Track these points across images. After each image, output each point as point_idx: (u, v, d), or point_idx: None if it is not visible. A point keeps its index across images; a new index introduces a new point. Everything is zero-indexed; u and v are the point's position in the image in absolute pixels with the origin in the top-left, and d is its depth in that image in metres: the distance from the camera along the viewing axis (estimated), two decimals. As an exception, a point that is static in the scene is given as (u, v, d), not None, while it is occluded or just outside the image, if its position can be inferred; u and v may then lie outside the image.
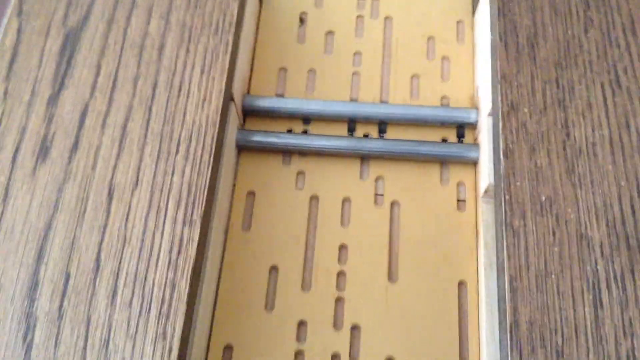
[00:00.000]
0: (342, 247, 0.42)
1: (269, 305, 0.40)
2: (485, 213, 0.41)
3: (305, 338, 0.39)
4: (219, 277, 0.41)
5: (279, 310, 0.40)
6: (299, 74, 0.48)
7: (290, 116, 0.46)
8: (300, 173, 0.45)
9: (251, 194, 0.44)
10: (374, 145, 0.45)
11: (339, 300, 0.40)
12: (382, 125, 0.46)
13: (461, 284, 0.41)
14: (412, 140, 0.45)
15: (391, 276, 0.41)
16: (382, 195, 0.44)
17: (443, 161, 0.45)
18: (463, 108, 0.46)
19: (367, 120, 0.46)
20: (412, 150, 0.44)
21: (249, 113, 0.46)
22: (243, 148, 0.45)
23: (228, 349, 0.39)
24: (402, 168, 0.45)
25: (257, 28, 0.50)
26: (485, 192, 0.41)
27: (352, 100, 0.47)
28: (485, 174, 0.41)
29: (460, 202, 0.43)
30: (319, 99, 0.47)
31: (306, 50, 0.49)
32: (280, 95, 0.47)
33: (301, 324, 0.40)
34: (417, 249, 0.42)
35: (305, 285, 0.41)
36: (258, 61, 0.49)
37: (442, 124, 0.46)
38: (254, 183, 0.44)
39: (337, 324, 0.40)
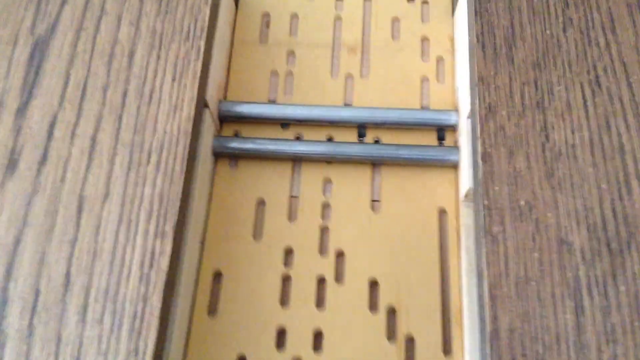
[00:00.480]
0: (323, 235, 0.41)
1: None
2: (466, 217, 0.41)
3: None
4: (195, 290, 0.40)
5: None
6: (277, 77, 0.47)
7: (269, 121, 0.45)
8: (280, 177, 0.44)
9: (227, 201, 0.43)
10: (355, 150, 0.44)
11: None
12: (362, 129, 0.45)
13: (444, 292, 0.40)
14: (391, 144, 0.44)
15: (372, 306, 0.40)
16: (375, 199, 0.43)
17: (423, 164, 0.44)
18: (443, 110, 0.45)
19: (346, 124, 0.45)
20: (392, 154, 0.43)
21: (227, 119, 0.46)
22: (220, 155, 0.44)
23: (206, 362, 0.38)
24: (382, 172, 0.44)
25: (233, 32, 0.49)
26: (466, 196, 0.41)
27: (330, 103, 0.46)
28: (466, 178, 0.40)
29: (441, 206, 0.43)
30: (297, 103, 0.46)
31: (282, 54, 0.48)
32: (259, 101, 0.46)
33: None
34: (398, 254, 0.41)
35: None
36: (235, 66, 0.48)
37: (422, 126, 0.45)
38: (230, 191, 0.43)
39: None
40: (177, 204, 0.35)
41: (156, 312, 0.33)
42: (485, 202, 0.35)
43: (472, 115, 0.39)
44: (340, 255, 0.41)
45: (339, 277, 0.41)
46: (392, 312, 0.40)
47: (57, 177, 0.36)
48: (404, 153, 0.43)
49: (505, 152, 0.37)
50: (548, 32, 0.40)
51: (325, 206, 0.43)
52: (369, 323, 0.39)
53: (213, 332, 0.39)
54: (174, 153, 0.37)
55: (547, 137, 0.37)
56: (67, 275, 0.34)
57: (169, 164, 0.37)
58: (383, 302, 0.40)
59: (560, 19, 0.40)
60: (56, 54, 0.40)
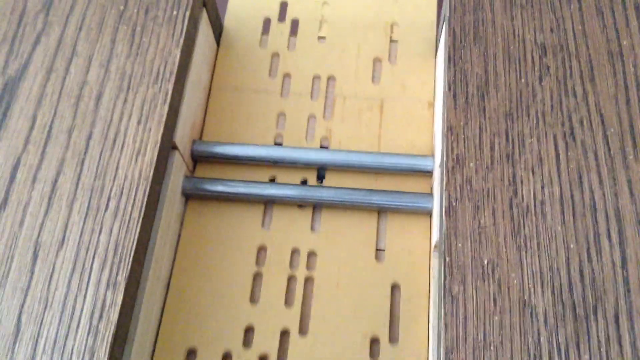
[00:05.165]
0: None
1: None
2: (435, 269, 0.39)
3: None
4: (155, 341, 0.39)
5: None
6: (256, 118, 0.47)
7: (246, 162, 0.45)
8: (250, 221, 0.43)
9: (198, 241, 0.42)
10: (326, 194, 0.43)
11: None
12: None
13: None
14: (364, 189, 0.43)
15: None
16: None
17: (397, 210, 0.43)
18: (420, 155, 0.44)
19: (322, 167, 0.44)
20: (363, 200, 0.42)
21: (202, 159, 0.45)
22: (191, 196, 0.44)
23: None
24: (351, 217, 0.43)
25: (214, 70, 0.49)
26: (435, 247, 0.39)
27: (309, 146, 0.46)
28: (436, 228, 0.39)
29: (413, 255, 0.41)
30: (274, 144, 0.45)
31: (265, 94, 0.47)
32: (234, 142, 0.46)
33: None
34: (367, 301, 0.40)
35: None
36: (213, 105, 0.47)
37: (399, 171, 0.44)
38: (199, 232, 0.43)
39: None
40: (132, 253, 0.35)
41: (103, 366, 0.32)
42: (447, 260, 0.34)
43: (441, 165, 0.38)
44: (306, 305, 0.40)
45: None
46: (355, 366, 0.38)
47: (15, 221, 0.36)
48: (377, 199, 0.42)
49: (471, 206, 0.35)
50: (523, 80, 0.39)
51: (295, 252, 0.42)
52: (331, 377, 0.38)
53: (171, 381, 0.38)
54: (133, 199, 0.36)
55: (515, 191, 0.36)
56: (18, 324, 0.34)
57: (127, 211, 0.36)
58: (347, 355, 0.39)
59: (537, 67, 0.39)
60: (25, 95, 0.40)
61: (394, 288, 0.41)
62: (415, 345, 0.39)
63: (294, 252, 0.42)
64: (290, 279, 0.41)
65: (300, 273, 0.41)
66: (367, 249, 0.42)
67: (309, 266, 0.42)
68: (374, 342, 0.39)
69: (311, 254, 0.42)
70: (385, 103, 0.46)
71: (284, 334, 0.40)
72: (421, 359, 0.38)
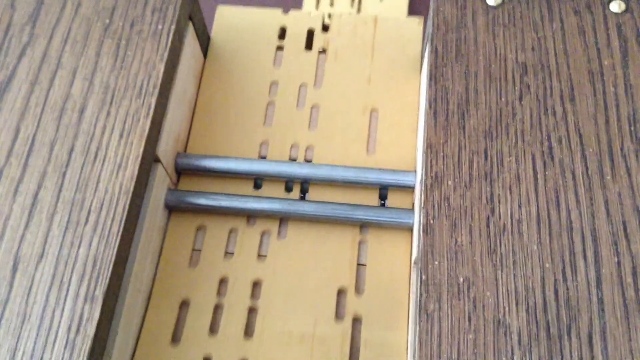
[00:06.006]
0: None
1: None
2: (414, 284, 0.40)
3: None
4: (134, 354, 0.39)
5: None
6: (242, 130, 0.47)
7: (228, 175, 0.45)
8: (232, 234, 0.43)
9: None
10: (308, 208, 0.43)
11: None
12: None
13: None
14: (346, 203, 0.43)
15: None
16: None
17: (378, 225, 0.43)
18: (402, 171, 0.44)
19: (305, 180, 0.45)
20: (345, 214, 0.42)
21: (185, 172, 0.45)
22: (173, 209, 0.44)
23: None
24: (330, 231, 0.43)
25: (200, 82, 0.49)
26: (414, 263, 0.40)
27: (292, 159, 0.46)
28: (415, 244, 0.39)
29: (392, 270, 0.42)
30: (258, 158, 0.46)
31: (249, 108, 0.48)
32: (219, 154, 0.46)
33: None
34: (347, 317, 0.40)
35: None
36: (198, 117, 0.47)
37: (381, 186, 0.44)
38: (181, 246, 0.43)
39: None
40: (110, 267, 0.35)
41: (79, 380, 0.33)
42: (423, 277, 0.34)
43: (420, 182, 0.38)
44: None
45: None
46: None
47: (-5, 234, 0.36)
48: (359, 214, 0.42)
49: (448, 224, 0.36)
50: (503, 99, 0.39)
51: (262, 263, 0.42)
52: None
53: (150, 394, 0.38)
54: (113, 213, 0.37)
55: (492, 210, 0.36)
56: (-5, 336, 0.34)
57: (107, 225, 0.36)
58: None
59: (517, 86, 0.39)
60: (9, 108, 0.40)
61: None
62: (393, 361, 0.39)
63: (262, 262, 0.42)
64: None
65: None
66: (348, 264, 0.42)
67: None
68: None
69: (292, 268, 0.42)
70: (373, 117, 0.47)
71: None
72: (399, 375, 0.38)
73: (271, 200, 0.43)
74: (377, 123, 0.47)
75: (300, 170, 0.45)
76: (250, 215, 0.44)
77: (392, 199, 0.44)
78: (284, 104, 0.48)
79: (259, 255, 0.43)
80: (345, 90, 0.48)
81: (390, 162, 0.45)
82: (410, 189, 0.44)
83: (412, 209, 0.43)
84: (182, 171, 0.45)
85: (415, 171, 0.44)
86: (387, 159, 0.45)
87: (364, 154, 0.45)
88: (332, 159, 0.46)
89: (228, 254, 0.43)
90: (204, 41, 0.49)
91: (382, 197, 0.44)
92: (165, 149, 0.42)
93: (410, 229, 0.43)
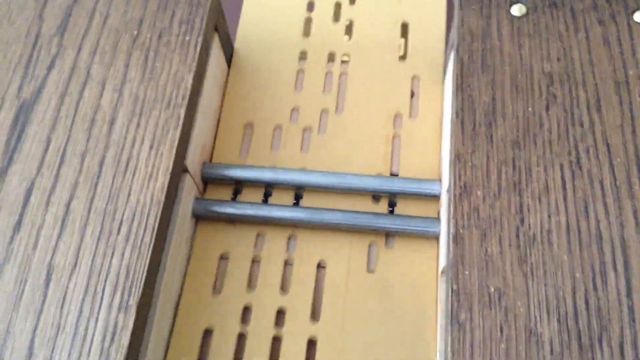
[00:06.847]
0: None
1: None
2: (443, 294, 0.40)
3: None
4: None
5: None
6: (266, 139, 0.47)
7: (253, 184, 0.45)
8: (258, 243, 0.44)
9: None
10: (334, 216, 0.43)
11: None
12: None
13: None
14: (370, 212, 0.43)
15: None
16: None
17: (403, 234, 0.43)
18: (427, 180, 0.44)
19: (325, 190, 0.45)
20: (369, 223, 0.43)
21: (212, 181, 0.46)
22: (201, 217, 0.44)
23: None
24: (355, 240, 0.43)
25: (225, 92, 0.49)
26: (442, 272, 0.40)
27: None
28: (443, 254, 0.40)
29: (419, 279, 0.42)
30: (279, 167, 0.46)
31: (273, 116, 0.48)
32: (244, 164, 0.46)
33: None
34: (374, 327, 0.40)
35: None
36: (223, 127, 0.48)
37: (406, 195, 0.44)
38: (209, 253, 0.43)
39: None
40: (143, 277, 0.35)
41: (114, 389, 0.33)
42: (454, 287, 0.35)
43: (448, 192, 0.39)
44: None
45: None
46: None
47: (29, 244, 0.37)
48: (385, 222, 0.43)
49: (478, 234, 0.36)
50: (530, 109, 0.39)
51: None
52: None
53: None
54: (145, 224, 0.37)
55: (522, 220, 0.36)
56: (31, 347, 0.34)
57: (139, 235, 0.37)
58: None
59: (544, 96, 0.40)
60: (39, 119, 0.40)
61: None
62: None
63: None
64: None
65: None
66: (372, 272, 0.42)
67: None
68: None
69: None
70: (396, 125, 0.47)
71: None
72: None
73: (294, 209, 0.44)
74: (400, 130, 0.47)
75: (315, 179, 0.45)
76: (275, 224, 0.44)
77: (410, 208, 0.44)
78: (308, 112, 0.48)
79: (286, 262, 0.43)
80: (369, 97, 0.48)
81: (412, 171, 0.45)
82: (435, 197, 0.44)
83: (438, 218, 0.43)
84: (209, 180, 0.46)
85: (440, 180, 0.44)
86: (409, 167, 0.46)
87: (387, 162, 0.46)
88: (357, 168, 0.46)
89: (255, 262, 0.43)
90: (229, 51, 0.50)
91: (391, 205, 0.44)
92: (193, 159, 0.43)
93: (437, 238, 0.43)
